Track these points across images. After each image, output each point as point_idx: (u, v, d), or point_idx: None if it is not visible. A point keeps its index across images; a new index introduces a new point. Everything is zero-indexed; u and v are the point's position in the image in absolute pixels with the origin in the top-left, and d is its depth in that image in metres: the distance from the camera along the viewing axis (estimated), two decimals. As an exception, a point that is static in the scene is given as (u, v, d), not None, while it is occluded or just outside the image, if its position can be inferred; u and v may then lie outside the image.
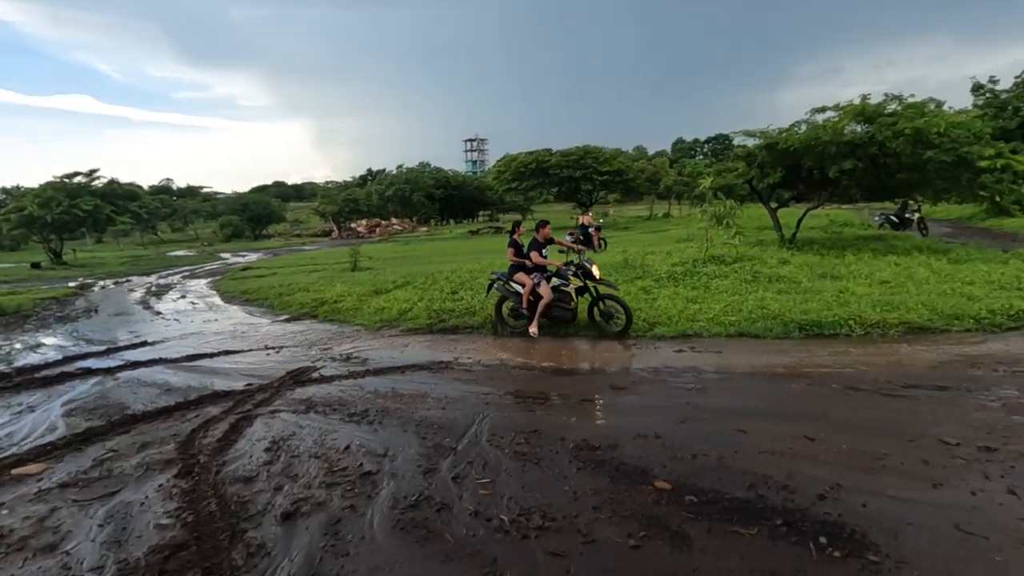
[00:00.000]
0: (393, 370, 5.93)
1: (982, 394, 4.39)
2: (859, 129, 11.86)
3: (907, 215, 18.96)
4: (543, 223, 7.45)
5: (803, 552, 2.50)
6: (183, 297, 13.32)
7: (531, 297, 7.06)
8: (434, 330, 7.85)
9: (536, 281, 7.05)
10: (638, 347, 6.43)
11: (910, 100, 11.74)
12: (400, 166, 69.59)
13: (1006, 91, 21.53)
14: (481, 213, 61.97)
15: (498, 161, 47.62)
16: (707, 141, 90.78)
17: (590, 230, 17.58)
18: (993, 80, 21.27)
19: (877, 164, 11.52)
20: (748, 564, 2.45)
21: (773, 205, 14.36)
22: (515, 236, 7.50)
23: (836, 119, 11.78)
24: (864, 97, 11.90)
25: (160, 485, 3.49)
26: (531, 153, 36.83)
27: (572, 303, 7.08)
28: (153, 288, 15.63)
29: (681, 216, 38.68)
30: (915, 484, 3.05)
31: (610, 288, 7.20)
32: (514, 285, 7.27)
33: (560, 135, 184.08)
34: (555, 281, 7.09)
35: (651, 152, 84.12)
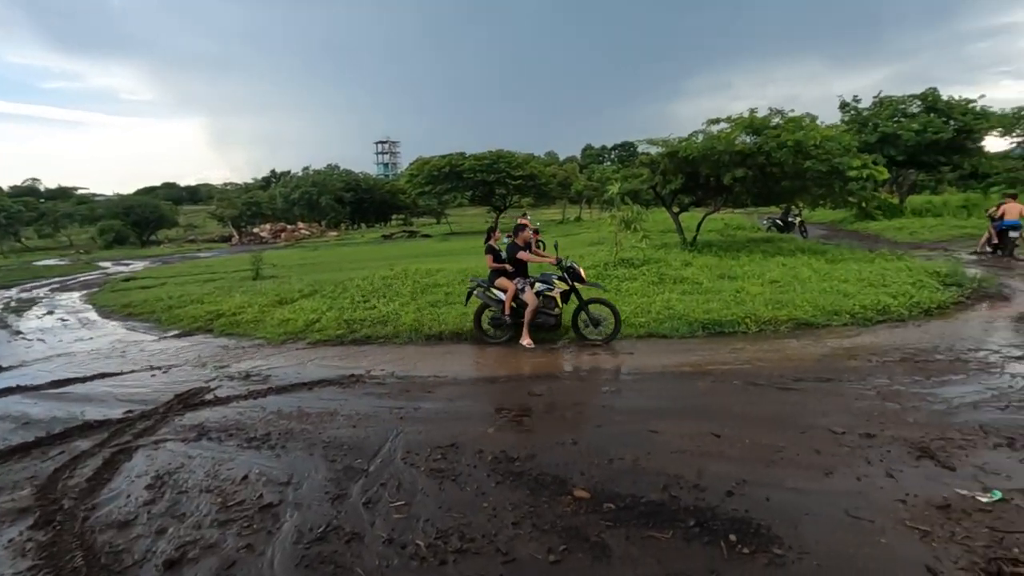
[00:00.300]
0: (299, 387, 5.54)
1: (859, 383, 4.83)
2: (748, 140, 12.84)
3: (790, 219, 20.79)
4: (521, 227, 7.18)
5: (715, 551, 2.57)
6: (50, 313, 11.77)
7: (514, 304, 6.70)
8: (345, 341, 7.47)
9: (520, 287, 6.70)
10: (556, 351, 6.48)
11: (790, 114, 12.90)
12: (307, 168, 66.48)
13: (867, 109, 24.29)
14: (394, 217, 60.62)
15: (411, 164, 46.80)
16: (614, 148, 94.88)
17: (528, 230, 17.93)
18: (856, 99, 23.96)
19: (765, 172, 12.52)
20: (664, 568, 2.48)
21: (675, 210, 15.19)
22: (491, 242, 7.26)
23: (728, 130, 12.67)
24: (752, 111, 12.91)
25: (10, 540, 2.98)
26: (444, 157, 36.52)
27: (557, 309, 6.69)
28: (12, 303, 13.69)
29: (592, 220, 40.05)
30: (810, 474, 3.26)
31: (598, 290, 6.98)
32: (496, 292, 6.85)
33: (472, 140, 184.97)
34: (539, 286, 6.71)
35: (562, 158, 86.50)
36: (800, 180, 12.30)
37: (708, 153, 12.54)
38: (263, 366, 6.46)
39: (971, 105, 22.80)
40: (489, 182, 35.14)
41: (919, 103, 23.68)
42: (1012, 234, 12.14)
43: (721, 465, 3.42)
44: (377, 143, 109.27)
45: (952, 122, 22.67)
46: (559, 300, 6.71)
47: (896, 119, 23.80)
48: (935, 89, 23.53)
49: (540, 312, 6.62)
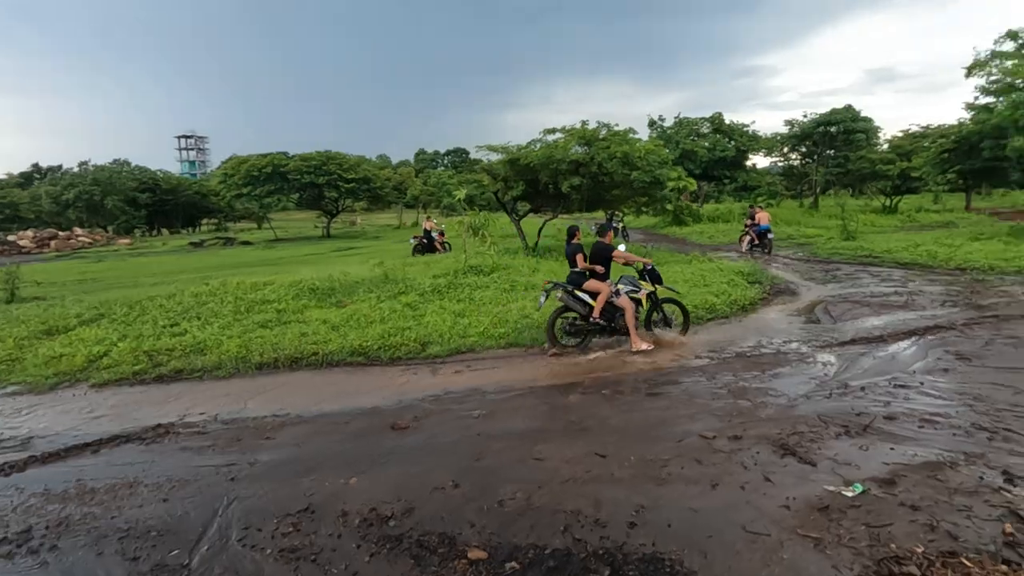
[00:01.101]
0: (78, 450, 4.20)
1: (711, 382, 5.12)
2: (580, 150, 13.56)
3: (614, 224, 22.75)
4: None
5: (636, 602, 2.31)
6: None
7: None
8: (146, 380, 5.99)
9: (614, 290, 6.39)
10: (415, 372, 5.91)
11: (615, 128, 13.93)
12: (85, 163, 55.55)
13: (669, 127, 27.71)
14: (205, 222, 53.49)
15: (224, 163, 41.62)
16: (447, 153, 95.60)
17: (433, 234, 17.77)
18: (661, 118, 27.14)
19: (597, 181, 13.32)
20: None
21: (517, 216, 15.48)
22: (575, 241, 6.83)
23: (564, 140, 13.23)
24: (584, 122, 13.65)
25: None
26: (265, 156, 33.07)
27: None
28: None
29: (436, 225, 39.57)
30: (700, 489, 3.22)
31: (672, 292, 6.98)
32: (582, 295, 6.37)
33: (289, 138, 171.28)
34: (627, 288, 6.51)
35: (395, 161, 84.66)
36: (628, 189, 13.34)
37: (547, 161, 12.94)
38: (19, 425, 4.83)
39: (746, 129, 27.41)
40: (319, 184, 32.68)
41: (709, 124, 27.78)
42: (770, 235, 15.15)
43: (615, 491, 3.23)
44: (180, 137, 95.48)
45: (733, 142, 27.01)
46: (644, 301, 6.67)
47: (692, 137, 27.63)
48: (720, 113, 27.81)
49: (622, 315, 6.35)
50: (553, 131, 13.81)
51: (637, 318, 6.48)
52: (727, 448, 3.71)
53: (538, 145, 13.77)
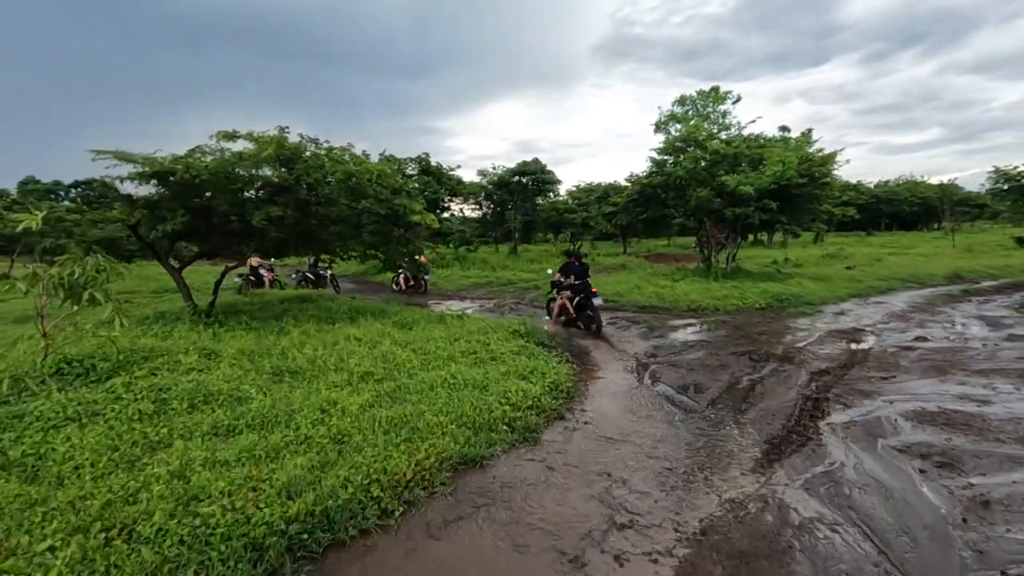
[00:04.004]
0: None
1: None
2: (281, 171, 9.32)
3: (320, 271, 18.54)
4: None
5: None
6: None
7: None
8: None
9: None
10: None
11: (326, 145, 10.15)
12: None
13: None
14: None
15: None
16: (74, 185, 72.88)
17: (262, 271, 16.97)
18: (365, 153, 24.08)
19: (307, 212, 9.28)
20: None
21: (175, 263, 10.03)
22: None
23: (254, 150, 8.80)
24: (283, 129, 9.48)
25: None
26: None
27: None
28: None
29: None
30: None
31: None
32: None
33: None
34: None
35: (-21, 189, 59.65)
36: (352, 226, 9.66)
37: (227, 178, 8.35)
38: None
39: (452, 172, 26.87)
40: None
41: (416, 165, 26.17)
42: (426, 277, 16.79)
43: None
44: None
45: (442, 186, 26.05)
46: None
47: (399, 178, 25.60)
48: (427, 154, 26.49)
49: None
50: (234, 136, 9.16)
51: None
52: None
53: (208, 158, 8.91)
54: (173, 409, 4.54)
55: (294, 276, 18.94)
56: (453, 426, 4.33)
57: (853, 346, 7.64)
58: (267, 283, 17.15)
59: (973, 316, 9.73)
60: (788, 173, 13.27)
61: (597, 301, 9.32)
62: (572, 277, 9.68)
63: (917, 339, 7.88)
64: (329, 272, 18.67)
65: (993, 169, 29.58)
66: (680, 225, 19.93)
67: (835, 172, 15.10)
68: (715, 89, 15.75)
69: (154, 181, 8.81)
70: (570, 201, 31.11)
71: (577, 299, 9.52)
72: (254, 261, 17.06)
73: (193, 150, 8.94)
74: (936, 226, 49.30)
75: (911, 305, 11.35)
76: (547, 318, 10.51)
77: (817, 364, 6.62)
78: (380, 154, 26.28)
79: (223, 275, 10.13)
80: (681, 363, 6.93)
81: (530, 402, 5.00)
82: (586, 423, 4.82)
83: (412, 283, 17.08)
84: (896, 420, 4.57)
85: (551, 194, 30.92)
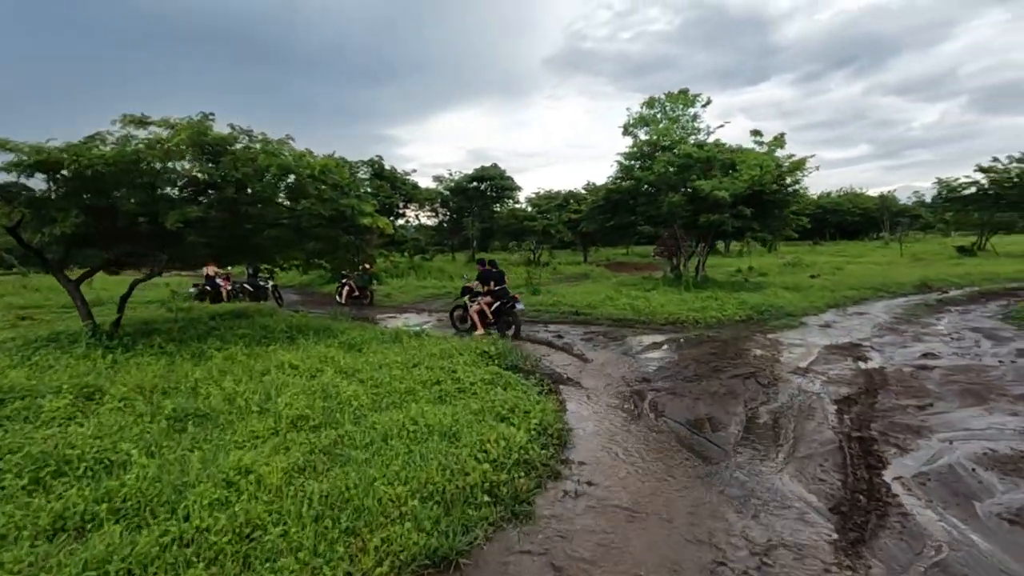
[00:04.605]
0: None
1: None
2: (205, 166, 7.84)
3: (261, 282, 16.80)
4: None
5: None
6: None
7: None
8: None
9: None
10: None
11: (262, 136, 8.72)
12: None
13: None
14: None
15: None
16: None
17: (219, 280, 15.58)
18: (309, 152, 22.32)
19: (238, 214, 7.85)
20: None
21: (72, 275, 8.36)
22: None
23: (169, 137, 7.31)
24: (206, 115, 7.98)
25: None
26: None
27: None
28: None
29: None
30: None
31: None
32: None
33: None
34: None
35: None
36: (293, 230, 8.25)
37: (131, 172, 6.88)
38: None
39: (408, 177, 25.51)
40: None
41: (369, 169, 24.64)
42: (372, 287, 15.99)
43: None
44: None
45: (396, 191, 24.62)
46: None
47: (352, 180, 24.08)
48: (381, 157, 25.00)
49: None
50: (145, 122, 7.58)
51: None
52: None
53: (109, 147, 7.34)
54: (2, 489, 3.13)
55: (232, 287, 17.10)
56: (415, 501, 3.12)
57: (861, 365, 6.87)
58: (225, 295, 15.55)
59: (965, 328, 9.24)
60: (766, 177, 12.72)
61: (519, 307, 9.51)
62: (492, 284, 9.69)
63: (925, 356, 7.20)
64: (271, 283, 16.97)
65: (936, 181, 30.88)
66: (644, 233, 19.29)
67: (803, 179, 14.70)
68: (684, 92, 15.15)
69: (43, 174, 7.23)
70: (530, 208, 30.17)
71: (497, 304, 9.44)
72: (210, 270, 15.66)
73: (91, 137, 7.37)
74: (876, 236, 51.27)
75: (894, 316, 10.88)
76: (458, 326, 10.18)
77: (835, 390, 5.77)
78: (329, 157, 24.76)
79: (131, 288, 8.49)
80: (681, 390, 5.94)
81: (515, 455, 3.85)
82: (589, 483, 3.69)
83: (356, 294, 15.58)
84: (974, 470, 3.69)
85: (510, 201, 29.90)
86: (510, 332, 9.31)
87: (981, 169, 27.39)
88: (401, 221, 28.41)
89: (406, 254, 32.28)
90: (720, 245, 33.53)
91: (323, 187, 7.79)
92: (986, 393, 5.38)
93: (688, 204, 13.96)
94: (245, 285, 16.63)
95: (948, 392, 5.48)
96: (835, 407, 5.15)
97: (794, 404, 5.29)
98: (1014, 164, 26.63)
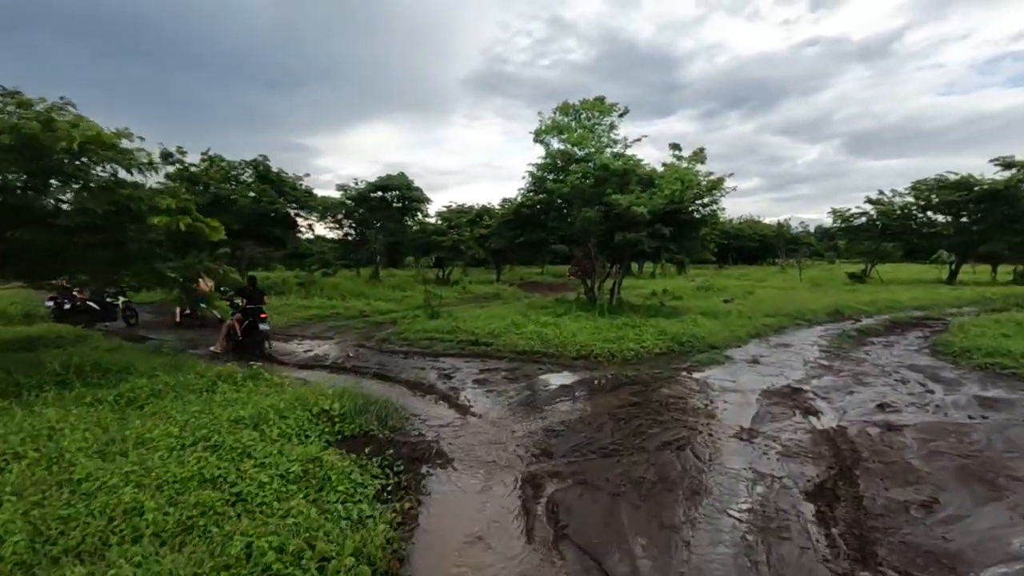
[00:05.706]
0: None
1: None
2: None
3: (109, 300, 13.64)
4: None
5: None
6: None
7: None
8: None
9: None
10: None
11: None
12: None
13: (194, 165, 19.87)
14: None
15: None
16: None
17: (75, 292, 13.14)
18: (182, 151, 18.89)
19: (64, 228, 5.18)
20: None
21: None
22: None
23: None
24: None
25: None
26: None
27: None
28: None
29: None
30: None
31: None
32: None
33: None
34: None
35: None
36: (60, 232, 5.67)
37: None
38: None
39: (300, 183, 22.56)
40: None
41: (252, 171, 21.49)
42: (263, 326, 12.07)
43: None
44: None
45: (284, 198, 21.61)
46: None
47: (231, 183, 20.84)
48: (266, 157, 21.88)
49: None
50: None
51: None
52: None
53: None
54: None
55: (48, 303, 13.57)
56: None
57: (815, 423, 5.46)
58: (55, 313, 13.26)
59: (901, 366, 8.33)
60: (688, 193, 11.57)
61: (264, 327, 9.81)
62: (245, 300, 9.80)
63: (882, 408, 5.94)
64: (121, 300, 13.82)
65: (832, 211, 32.42)
66: (559, 252, 17.90)
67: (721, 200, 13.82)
68: (600, 99, 13.89)
69: None
70: (439, 222, 28.09)
71: (247, 322, 9.68)
72: (204, 285, 12.51)
73: None
74: (772, 261, 54.13)
75: (821, 349, 9.93)
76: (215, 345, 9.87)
77: (799, 470, 4.21)
78: (203, 153, 21.27)
79: None
80: (594, 475, 4.13)
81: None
82: None
83: (188, 313, 13.47)
84: None
85: (419, 213, 27.61)
86: (257, 352, 9.45)
87: (870, 201, 28.94)
88: (310, 233, 25.30)
89: (308, 269, 28.98)
90: (634, 266, 33.20)
91: (90, 170, 5.31)
92: (989, 476, 4.03)
93: (603, 221, 12.58)
94: (89, 303, 13.38)
95: (944, 474, 4.07)
96: (813, 509, 3.54)
97: (755, 506, 3.63)
98: (896, 198, 28.41)
